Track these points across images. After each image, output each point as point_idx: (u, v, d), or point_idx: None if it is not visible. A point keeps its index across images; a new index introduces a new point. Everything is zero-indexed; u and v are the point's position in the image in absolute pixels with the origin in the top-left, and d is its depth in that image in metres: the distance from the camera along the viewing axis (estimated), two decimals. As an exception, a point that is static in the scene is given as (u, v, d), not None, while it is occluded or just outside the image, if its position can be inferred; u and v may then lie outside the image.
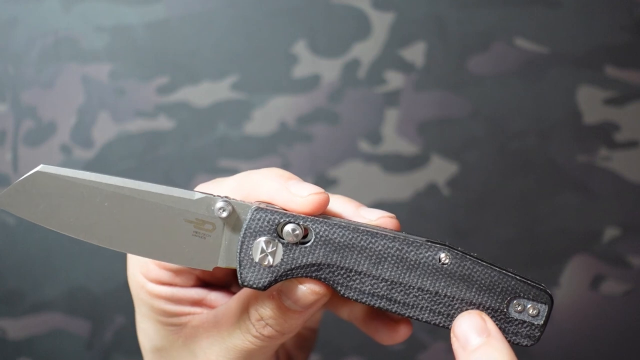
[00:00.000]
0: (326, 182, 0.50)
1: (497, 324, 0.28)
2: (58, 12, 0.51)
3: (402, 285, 0.28)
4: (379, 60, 0.51)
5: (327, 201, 0.28)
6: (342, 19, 0.51)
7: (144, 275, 0.32)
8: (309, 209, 0.28)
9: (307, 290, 0.28)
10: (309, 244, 0.28)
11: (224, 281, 0.34)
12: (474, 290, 0.28)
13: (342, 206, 0.30)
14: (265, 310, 0.29)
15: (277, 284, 0.28)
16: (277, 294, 0.29)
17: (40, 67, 0.51)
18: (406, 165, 0.50)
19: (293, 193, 0.28)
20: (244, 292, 0.31)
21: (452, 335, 0.26)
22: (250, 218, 0.28)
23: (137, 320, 0.33)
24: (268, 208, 0.28)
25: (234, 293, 0.33)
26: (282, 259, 0.28)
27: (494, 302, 0.28)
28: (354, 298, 0.28)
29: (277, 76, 0.51)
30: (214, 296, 0.33)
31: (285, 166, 0.50)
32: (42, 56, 0.51)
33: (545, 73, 0.51)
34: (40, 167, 0.28)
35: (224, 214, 0.27)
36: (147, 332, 0.32)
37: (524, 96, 0.51)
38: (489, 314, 0.28)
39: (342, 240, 0.28)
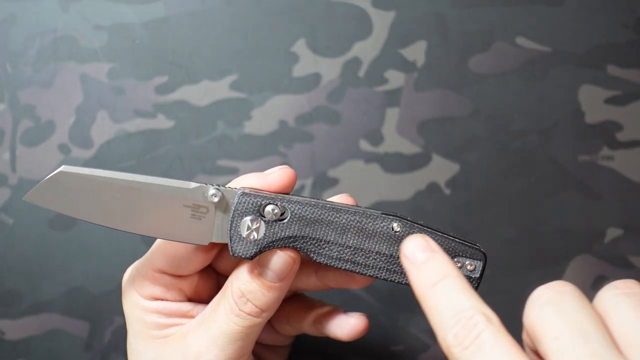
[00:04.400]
0: (326, 182, 0.50)
1: None
2: (56, 11, 0.51)
3: (363, 250, 0.33)
4: (380, 59, 0.51)
5: (294, 173, 0.34)
6: (342, 18, 0.51)
7: (140, 294, 0.37)
8: (282, 179, 0.34)
9: (285, 255, 0.33)
10: (285, 220, 0.33)
11: (207, 299, 0.38)
12: None
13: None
14: (246, 285, 0.34)
15: (261, 254, 0.33)
16: (256, 267, 0.34)
17: (39, 66, 0.51)
18: (407, 165, 0.50)
19: (267, 174, 0.34)
20: (223, 290, 0.36)
21: (401, 256, 0.30)
22: (237, 202, 0.33)
23: (129, 342, 0.38)
24: (251, 192, 0.33)
25: None
26: (264, 234, 0.33)
27: None
28: (324, 262, 0.33)
29: (277, 75, 0.51)
30: (199, 309, 0.38)
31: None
32: (40, 55, 0.51)
33: (547, 72, 0.51)
34: (62, 168, 0.32)
35: (216, 199, 0.33)
36: (139, 350, 0.37)
37: (526, 95, 0.51)
38: None
39: (313, 216, 0.33)
